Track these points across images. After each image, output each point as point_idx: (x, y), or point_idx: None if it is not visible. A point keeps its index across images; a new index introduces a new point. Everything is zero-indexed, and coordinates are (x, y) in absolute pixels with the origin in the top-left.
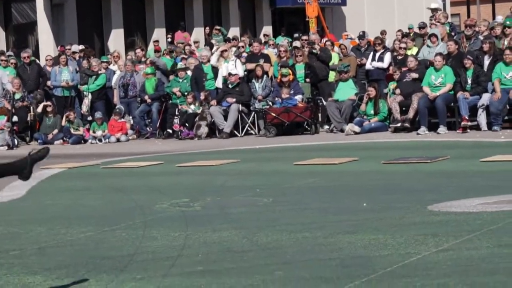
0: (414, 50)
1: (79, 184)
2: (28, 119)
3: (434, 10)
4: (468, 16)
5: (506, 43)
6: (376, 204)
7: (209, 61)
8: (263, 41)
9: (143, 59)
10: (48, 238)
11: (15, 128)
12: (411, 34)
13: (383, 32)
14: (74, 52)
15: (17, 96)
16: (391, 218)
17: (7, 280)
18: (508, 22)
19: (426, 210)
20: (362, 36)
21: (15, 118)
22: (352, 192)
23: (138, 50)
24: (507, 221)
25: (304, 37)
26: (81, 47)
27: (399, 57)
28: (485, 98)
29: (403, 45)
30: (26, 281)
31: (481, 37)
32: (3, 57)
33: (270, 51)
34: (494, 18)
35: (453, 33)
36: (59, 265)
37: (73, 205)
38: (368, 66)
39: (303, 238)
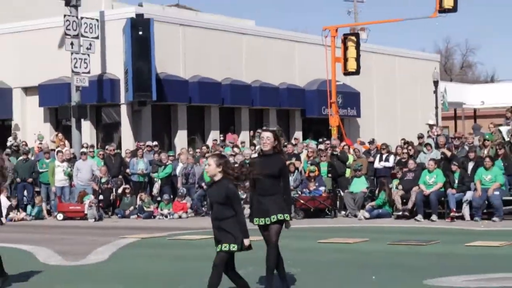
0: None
1: (150, 251)
2: (111, 198)
3: (431, 126)
4: (455, 128)
5: (485, 152)
6: (382, 278)
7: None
8: (294, 143)
9: (207, 154)
10: None
11: (101, 204)
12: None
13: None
14: (149, 146)
15: (103, 180)
16: None
17: None
18: (487, 136)
19: (421, 284)
20: (371, 142)
21: (101, 197)
22: (364, 266)
23: (204, 147)
24: None
25: (327, 142)
26: (155, 143)
27: (403, 160)
28: (469, 195)
29: (405, 150)
30: None
31: (466, 147)
32: (91, 149)
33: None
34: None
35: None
36: None
37: (144, 268)
38: (377, 165)
39: None
